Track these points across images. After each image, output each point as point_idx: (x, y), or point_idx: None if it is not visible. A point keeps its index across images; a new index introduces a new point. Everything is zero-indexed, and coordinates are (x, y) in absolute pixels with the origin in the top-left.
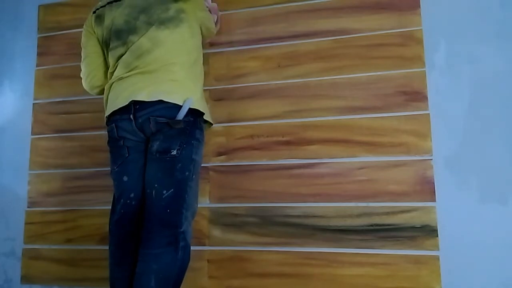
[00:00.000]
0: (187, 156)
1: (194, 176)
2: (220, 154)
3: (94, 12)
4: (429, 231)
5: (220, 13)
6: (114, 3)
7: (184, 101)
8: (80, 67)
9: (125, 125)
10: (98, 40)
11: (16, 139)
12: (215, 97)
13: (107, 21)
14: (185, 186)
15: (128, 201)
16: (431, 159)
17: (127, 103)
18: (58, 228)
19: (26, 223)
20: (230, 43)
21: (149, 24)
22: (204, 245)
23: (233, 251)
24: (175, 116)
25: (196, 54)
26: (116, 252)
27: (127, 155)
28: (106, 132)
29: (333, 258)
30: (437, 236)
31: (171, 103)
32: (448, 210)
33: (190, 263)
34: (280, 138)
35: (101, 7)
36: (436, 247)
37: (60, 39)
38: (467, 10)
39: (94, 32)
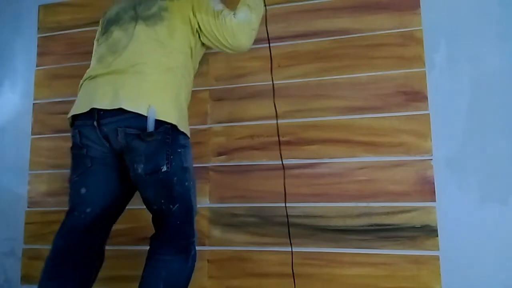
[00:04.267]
0: (179, 166)
1: (192, 183)
2: (220, 154)
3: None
4: (429, 231)
5: None
6: None
7: (150, 109)
8: (80, 67)
9: (88, 133)
10: (99, 29)
11: (16, 139)
12: (215, 97)
13: (107, 13)
14: (189, 196)
15: (83, 216)
16: (431, 159)
17: (88, 109)
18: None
19: (26, 223)
20: None
21: (132, 18)
22: (204, 245)
23: (233, 251)
24: (146, 127)
25: (179, 60)
26: (52, 267)
27: (89, 165)
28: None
29: (333, 258)
30: (437, 236)
31: (133, 112)
32: (448, 210)
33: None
34: (280, 138)
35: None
36: (436, 247)
37: (60, 39)
38: (467, 10)
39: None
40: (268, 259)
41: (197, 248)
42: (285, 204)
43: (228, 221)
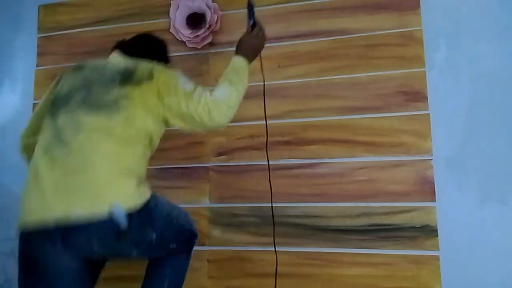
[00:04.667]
0: (164, 223)
1: (175, 215)
2: (220, 154)
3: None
4: (429, 231)
5: (221, 13)
6: (77, 70)
7: (113, 208)
8: None
9: (46, 245)
10: (46, 101)
11: (16, 139)
12: None
13: (59, 86)
14: (180, 228)
15: None
16: (431, 159)
17: (44, 224)
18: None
19: None
20: (230, 43)
21: (84, 103)
22: (204, 245)
23: (233, 251)
24: (119, 226)
25: (136, 153)
26: None
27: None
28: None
29: (333, 258)
30: (437, 236)
31: (99, 217)
32: (448, 210)
33: (190, 263)
34: (280, 138)
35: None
36: (436, 247)
37: (60, 39)
38: (467, 10)
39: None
40: (268, 259)
41: (197, 248)
42: (271, 204)
43: (228, 221)
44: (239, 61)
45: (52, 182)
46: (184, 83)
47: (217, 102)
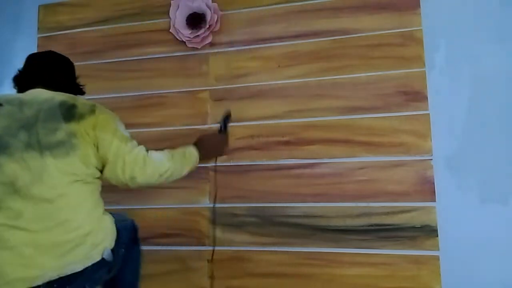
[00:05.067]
0: (126, 235)
1: (124, 221)
2: None
3: None
4: (429, 231)
5: (221, 13)
6: None
7: (103, 252)
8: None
9: None
10: None
11: None
12: (215, 97)
13: None
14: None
15: None
16: (431, 159)
17: (30, 284)
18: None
19: None
20: (230, 43)
21: (29, 146)
22: (204, 245)
23: (233, 251)
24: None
25: (95, 191)
26: None
27: None
28: None
29: (333, 258)
30: (437, 236)
31: (94, 261)
32: (448, 210)
33: (190, 263)
34: (280, 138)
35: None
36: (436, 247)
37: (60, 39)
38: (467, 10)
39: None
40: (268, 259)
41: (197, 248)
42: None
43: (228, 221)
44: (192, 152)
45: (26, 238)
46: (123, 130)
47: (149, 161)
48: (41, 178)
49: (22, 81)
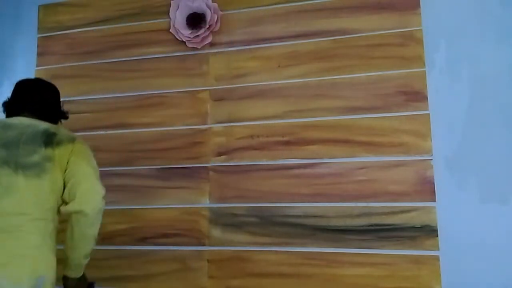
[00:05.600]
0: None
1: None
2: (220, 154)
3: None
4: (429, 231)
5: (221, 12)
6: None
7: (37, 280)
8: (80, 67)
9: None
10: None
11: None
12: (215, 97)
13: None
14: None
15: None
16: (431, 159)
17: None
18: (59, 228)
19: None
20: (230, 43)
21: (5, 163)
22: (204, 245)
23: (233, 251)
24: None
25: (55, 216)
26: None
27: None
28: (105, 134)
29: (333, 258)
30: (437, 236)
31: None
32: (448, 210)
33: (190, 263)
34: (280, 138)
35: None
36: (436, 247)
37: (60, 39)
38: (467, 10)
39: None
40: (268, 259)
41: (197, 248)
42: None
43: (228, 221)
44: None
45: None
46: (96, 165)
47: (100, 215)
48: (9, 192)
49: (10, 108)
